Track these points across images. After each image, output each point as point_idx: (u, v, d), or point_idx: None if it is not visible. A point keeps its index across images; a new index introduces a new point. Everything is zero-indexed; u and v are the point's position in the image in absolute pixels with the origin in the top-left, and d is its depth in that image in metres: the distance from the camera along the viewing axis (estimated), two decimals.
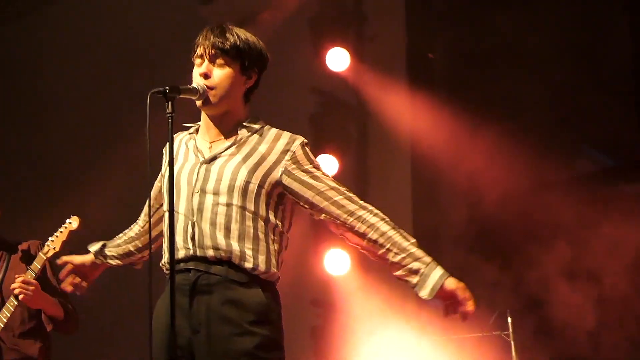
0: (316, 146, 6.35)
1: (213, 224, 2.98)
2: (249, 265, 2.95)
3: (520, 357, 5.15)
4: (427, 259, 2.92)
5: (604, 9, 6.02)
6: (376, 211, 3.01)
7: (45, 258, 4.41)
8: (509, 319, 5.16)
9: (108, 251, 3.50)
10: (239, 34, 3.13)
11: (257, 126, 3.11)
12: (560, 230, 5.44)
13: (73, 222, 4.51)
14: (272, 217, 3.01)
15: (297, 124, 6.25)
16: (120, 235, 3.51)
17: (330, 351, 6.13)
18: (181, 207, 3.03)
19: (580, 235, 5.34)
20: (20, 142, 8.10)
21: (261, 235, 2.98)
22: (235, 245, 2.94)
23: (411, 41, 6.65)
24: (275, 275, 3.03)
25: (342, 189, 3.03)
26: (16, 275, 4.40)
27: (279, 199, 3.03)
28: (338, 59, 6.52)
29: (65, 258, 3.57)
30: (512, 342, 5.13)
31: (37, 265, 4.38)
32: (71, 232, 4.48)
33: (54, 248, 4.42)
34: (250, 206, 2.98)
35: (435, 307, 5.90)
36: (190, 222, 3.01)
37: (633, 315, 5.15)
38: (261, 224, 2.99)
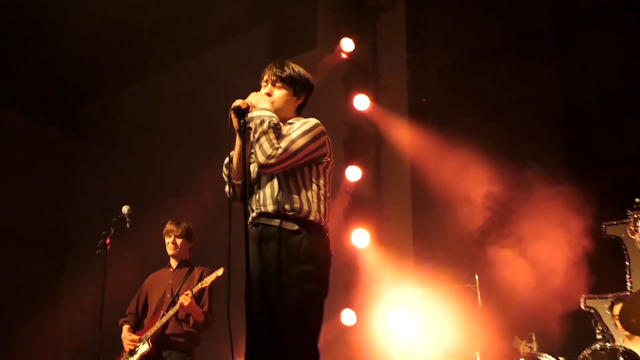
0: (346, 160, 7.24)
1: (271, 187, 3.37)
2: (296, 205, 3.25)
3: (484, 302, 5.74)
4: None
5: (544, 69, 6.86)
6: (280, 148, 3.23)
7: (200, 287, 5.36)
8: (476, 276, 5.90)
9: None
10: (294, 67, 3.54)
11: (294, 120, 3.49)
12: (514, 217, 6.02)
13: (219, 271, 5.26)
14: (305, 179, 3.36)
15: (333, 146, 6.43)
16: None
17: (357, 296, 6.81)
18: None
19: (526, 218, 5.94)
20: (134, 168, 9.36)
21: (302, 190, 3.34)
22: (285, 198, 3.30)
23: (411, 90, 7.43)
24: (317, 217, 3.28)
25: (287, 137, 3.29)
26: (185, 292, 5.36)
27: (307, 165, 3.38)
28: (361, 102, 7.30)
29: None
30: (478, 292, 5.84)
31: (196, 289, 5.37)
32: (218, 277, 5.23)
33: (206, 282, 5.32)
34: (290, 172, 3.37)
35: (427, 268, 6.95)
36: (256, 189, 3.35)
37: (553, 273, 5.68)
38: (298, 183, 3.34)
